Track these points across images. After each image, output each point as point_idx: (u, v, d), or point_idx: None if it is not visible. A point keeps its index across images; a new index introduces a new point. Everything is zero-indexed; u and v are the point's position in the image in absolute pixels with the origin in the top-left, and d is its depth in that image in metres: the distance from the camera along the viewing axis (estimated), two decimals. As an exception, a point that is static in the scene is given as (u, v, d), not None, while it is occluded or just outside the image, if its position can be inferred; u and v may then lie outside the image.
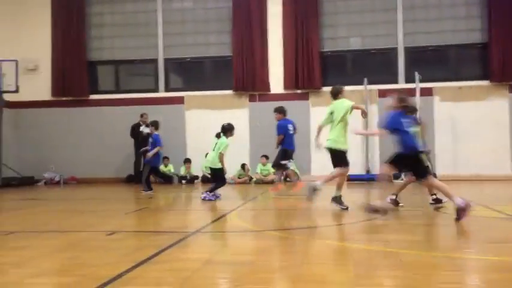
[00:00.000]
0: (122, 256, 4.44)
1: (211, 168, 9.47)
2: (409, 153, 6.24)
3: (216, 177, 9.33)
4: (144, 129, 14.53)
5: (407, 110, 6.62)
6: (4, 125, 14.33)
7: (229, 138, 9.25)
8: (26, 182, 14.76)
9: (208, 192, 9.11)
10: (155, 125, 11.12)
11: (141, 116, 14.61)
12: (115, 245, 5.09)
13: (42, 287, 3.46)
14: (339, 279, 3.49)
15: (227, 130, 9.21)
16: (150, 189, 10.63)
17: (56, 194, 10.68)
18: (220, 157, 9.11)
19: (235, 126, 9.38)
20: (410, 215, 7.15)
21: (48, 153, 15.66)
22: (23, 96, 14.96)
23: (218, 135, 9.44)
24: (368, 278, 3.51)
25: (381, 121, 7.52)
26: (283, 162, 10.17)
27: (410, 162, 6.33)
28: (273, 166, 11.40)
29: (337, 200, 7.42)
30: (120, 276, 3.60)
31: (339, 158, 7.39)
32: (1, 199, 11.16)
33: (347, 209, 7.28)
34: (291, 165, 10.80)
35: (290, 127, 10.28)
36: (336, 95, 7.66)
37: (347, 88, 14.92)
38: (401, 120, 6.32)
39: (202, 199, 9.03)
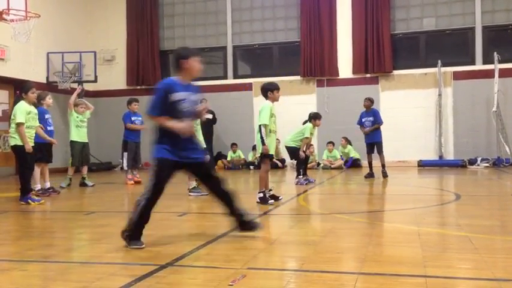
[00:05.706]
0: (192, 235, 4.64)
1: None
2: None
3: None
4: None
5: None
6: (84, 113, 15.12)
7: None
8: (105, 167, 15.56)
9: (300, 177, 9.25)
10: None
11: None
12: (186, 225, 5.32)
13: (121, 260, 3.69)
14: (407, 260, 3.44)
15: (312, 117, 9.46)
16: None
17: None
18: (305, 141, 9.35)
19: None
20: (485, 201, 6.88)
21: (124, 140, 16.33)
22: (100, 85, 15.74)
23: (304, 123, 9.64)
24: (437, 260, 3.44)
25: None
26: None
27: None
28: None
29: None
30: (190, 252, 3.77)
31: None
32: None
33: None
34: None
35: None
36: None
37: (420, 71, 14.82)
38: None
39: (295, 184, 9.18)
